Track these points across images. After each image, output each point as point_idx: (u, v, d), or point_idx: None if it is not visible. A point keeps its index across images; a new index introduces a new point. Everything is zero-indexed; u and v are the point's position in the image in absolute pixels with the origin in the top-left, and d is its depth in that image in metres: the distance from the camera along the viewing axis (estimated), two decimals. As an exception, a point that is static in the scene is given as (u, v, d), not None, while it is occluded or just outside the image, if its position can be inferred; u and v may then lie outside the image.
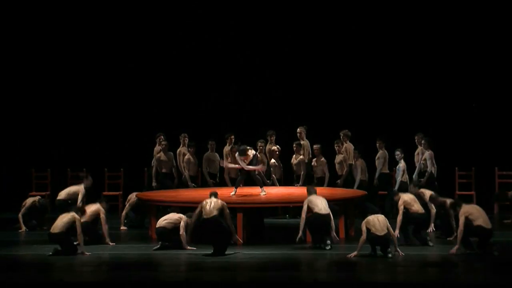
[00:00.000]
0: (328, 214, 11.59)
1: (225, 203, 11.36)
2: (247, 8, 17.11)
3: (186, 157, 15.02)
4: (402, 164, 14.25)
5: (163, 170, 15.02)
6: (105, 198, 12.80)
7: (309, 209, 11.66)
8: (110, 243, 12.18)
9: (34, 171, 16.28)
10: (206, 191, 12.23)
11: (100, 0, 17.18)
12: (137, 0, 17.25)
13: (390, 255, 10.99)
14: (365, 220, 11.16)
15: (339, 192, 13.72)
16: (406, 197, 12.01)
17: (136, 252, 11.78)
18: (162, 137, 15.25)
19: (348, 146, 15.10)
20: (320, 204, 11.64)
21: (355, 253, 10.99)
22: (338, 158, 14.91)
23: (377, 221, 11.06)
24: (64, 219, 11.47)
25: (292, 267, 10.79)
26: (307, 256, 11.46)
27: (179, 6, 17.22)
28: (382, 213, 11.60)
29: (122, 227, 13.87)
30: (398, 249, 11.13)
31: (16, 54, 17.12)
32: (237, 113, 16.82)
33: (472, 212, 11.13)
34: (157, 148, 15.28)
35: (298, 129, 15.37)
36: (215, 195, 11.57)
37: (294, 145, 15.16)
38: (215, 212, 11.20)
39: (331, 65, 16.93)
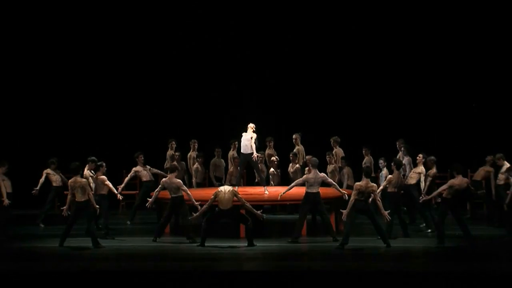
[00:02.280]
0: (318, 192, 12.08)
1: (234, 189, 11.85)
2: (247, 8, 16.89)
3: (194, 166, 15.29)
4: (385, 171, 14.30)
5: (177, 178, 15.28)
6: (101, 164, 12.61)
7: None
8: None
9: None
10: (212, 190, 12.44)
11: (105, 4, 17.00)
12: (138, 1, 17.10)
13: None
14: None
15: (330, 191, 13.87)
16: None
17: (149, 245, 11.93)
18: (174, 142, 15.55)
19: (338, 151, 15.29)
20: (312, 182, 12.10)
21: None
22: (330, 167, 15.01)
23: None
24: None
25: (289, 257, 11.00)
26: (302, 247, 11.70)
27: (179, 6, 16.99)
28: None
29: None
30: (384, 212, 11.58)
31: (32, 69, 17.06)
32: (238, 115, 16.83)
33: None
34: (170, 152, 15.56)
35: (294, 136, 15.60)
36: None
37: (290, 155, 15.36)
38: (230, 204, 11.61)
39: (323, 81, 17.13)
